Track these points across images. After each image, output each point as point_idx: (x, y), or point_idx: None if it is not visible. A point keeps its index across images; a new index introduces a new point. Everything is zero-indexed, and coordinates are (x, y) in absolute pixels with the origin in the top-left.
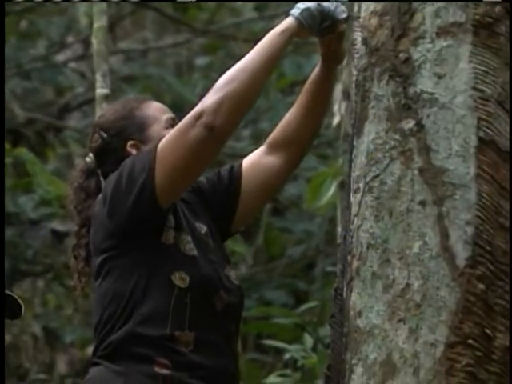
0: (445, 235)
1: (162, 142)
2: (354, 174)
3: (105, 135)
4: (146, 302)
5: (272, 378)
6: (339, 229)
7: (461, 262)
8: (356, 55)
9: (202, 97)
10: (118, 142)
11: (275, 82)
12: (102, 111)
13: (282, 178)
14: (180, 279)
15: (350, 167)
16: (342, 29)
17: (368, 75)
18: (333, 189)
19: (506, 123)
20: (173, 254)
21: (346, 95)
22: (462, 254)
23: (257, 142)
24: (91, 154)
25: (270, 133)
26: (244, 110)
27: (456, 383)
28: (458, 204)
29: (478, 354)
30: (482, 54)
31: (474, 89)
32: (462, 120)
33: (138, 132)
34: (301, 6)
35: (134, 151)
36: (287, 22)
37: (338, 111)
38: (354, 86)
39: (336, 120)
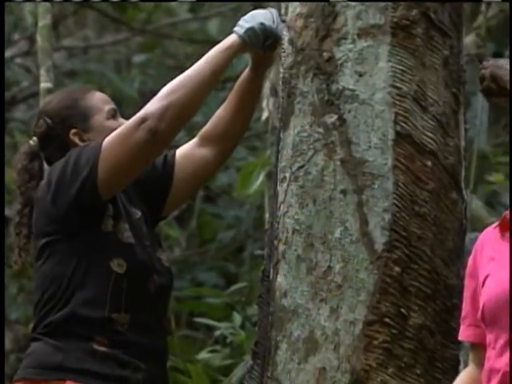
0: (364, 222)
1: (108, 139)
2: (281, 165)
3: (49, 121)
4: (86, 286)
5: (203, 354)
6: (267, 215)
7: (379, 246)
8: (283, 54)
9: (140, 92)
10: (61, 129)
11: None
12: (48, 99)
13: (212, 169)
14: (118, 265)
15: (277, 158)
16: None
17: (294, 73)
18: (261, 178)
19: (421, 119)
20: (111, 242)
21: (274, 92)
22: (379, 239)
23: (190, 133)
24: (35, 138)
25: (202, 126)
26: (186, 117)
27: (373, 359)
28: (376, 193)
29: (394, 331)
30: (400, 54)
31: (392, 86)
32: (381, 115)
33: (81, 121)
34: (245, 24)
35: (76, 139)
36: (231, 40)
37: (267, 106)
38: (281, 83)
39: (264, 115)
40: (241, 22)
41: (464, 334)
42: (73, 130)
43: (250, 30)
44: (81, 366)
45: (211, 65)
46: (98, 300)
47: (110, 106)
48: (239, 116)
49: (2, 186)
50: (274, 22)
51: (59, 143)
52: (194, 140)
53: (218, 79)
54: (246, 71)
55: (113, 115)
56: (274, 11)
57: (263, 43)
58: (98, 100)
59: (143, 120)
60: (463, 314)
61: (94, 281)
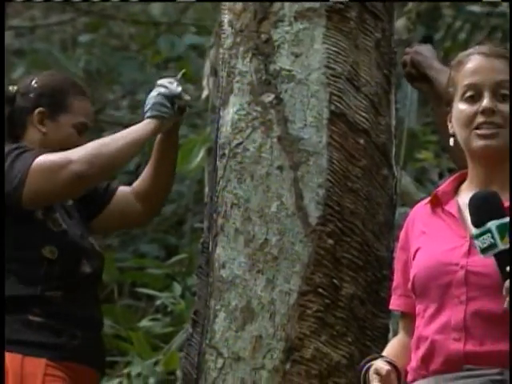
0: (299, 196)
1: (37, 165)
2: (220, 142)
3: (34, 86)
4: (20, 270)
5: (144, 322)
6: (206, 190)
7: (313, 220)
8: (223, 35)
9: (85, 70)
10: (35, 99)
11: (151, 57)
12: (52, 73)
13: (141, 221)
14: (50, 252)
15: (217, 135)
16: (185, 102)
17: (233, 53)
18: (201, 154)
19: (354, 98)
20: (42, 230)
21: (214, 71)
22: (314, 213)
23: (134, 111)
24: (16, 88)
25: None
26: (111, 169)
27: (307, 327)
28: (311, 169)
29: (327, 301)
30: (334, 36)
31: (327, 67)
32: (316, 95)
33: (54, 109)
34: (148, 104)
35: (36, 119)
36: (147, 123)
37: (207, 85)
38: (220, 63)
39: (205, 93)
40: (145, 109)
41: (395, 303)
42: (41, 108)
43: (155, 104)
44: (17, 336)
45: (133, 138)
46: (31, 282)
47: (85, 119)
48: (159, 179)
49: (2, 181)
50: (169, 88)
51: (24, 108)
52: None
53: (138, 150)
54: (160, 138)
55: (80, 129)
56: (166, 82)
57: (173, 109)
58: (82, 107)
59: (70, 161)
60: (394, 284)
61: (27, 266)
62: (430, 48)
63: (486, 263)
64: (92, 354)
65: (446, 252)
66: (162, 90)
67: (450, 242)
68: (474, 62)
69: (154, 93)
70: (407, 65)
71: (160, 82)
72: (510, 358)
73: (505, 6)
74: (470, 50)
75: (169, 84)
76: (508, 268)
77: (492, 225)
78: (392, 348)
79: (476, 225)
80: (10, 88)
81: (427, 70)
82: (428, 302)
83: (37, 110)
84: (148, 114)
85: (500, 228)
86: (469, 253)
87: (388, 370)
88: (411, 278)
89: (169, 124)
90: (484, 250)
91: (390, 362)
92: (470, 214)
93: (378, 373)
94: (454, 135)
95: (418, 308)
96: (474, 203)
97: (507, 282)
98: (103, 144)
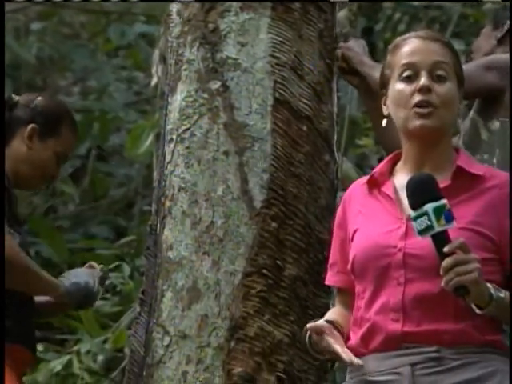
0: (244, 181)
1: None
2: (168, 127)
3: (36, 102)
4: None
5: None
6: (155, 174)
7: (257, 203)
8: (171, 24)
9: (37, 58)
10: (33, 115)
11: (101, 45)
12: (56, 98)
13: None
14: None
15: (165, 121)
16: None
17: (181, 42)
18: (150, 139)
19: (297, 86)
20: None
21: (163, 59)
22: (258, 196)
23: (85, 97)
24: (18, 98)
25: (97, 90)
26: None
27: (251, 306)
28: (256, 154)
29: (270, 281)
30: (279, 27)
31: (272, 56)
32: (261, 82)
33: (46, 131)
34: (72, 278)
35: (26, 133)
36: (59, 287)
37: (156, 73)
38: (169, 51)
39: (154, 80)
40: (69, 275)
41: (332, 279)
42: (35, 125)
43: (75, 284)
44: None
45: (43, 286)
46: None
47: (67, 151)
48: None
49: (3, 187)
50: (94, 283)
51: (21, 120)
52: None
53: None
54: None
55: (60, 158)
56: (96, 274)
57: (80, 299)
58: (69, 139)
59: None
60: (331, 261)
61: None
62: (362, 43)
63: (423, 245)
64: (24, 333)
65: (384, 234)
66: (91, 283)
67: (387, 223)
68: (411, 45)
69: (84, 276)
70: (339, 59)
71: (96, 272)
72: (510, 356)
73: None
74: (407, 35)
75: (96, 279)
76: (444, 248)
77: (429, 207)
78: (333, 313)
79: (413, 207)
80: (13, 96)
81: (358, 66)
82: (367, 283)
83: (31, 126)
84: (68, 287)
85: (436, 210)
86: (406, 235)
87: (329, 327)
88: (350, 259)
89: (65, 300)
90: (421, 232)
91: (330, 321)
92: (408, 197)
93: (319, 329)
94: (388, 116)
95: (358, 289)
96: (411, 186)
97: (444, 262)
98: (34, 271)
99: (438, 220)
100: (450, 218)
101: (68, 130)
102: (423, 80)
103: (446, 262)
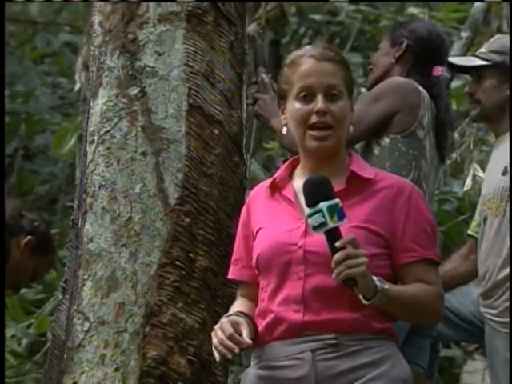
0: (160, 179)
1: None
2: (90, 129)
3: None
4: None
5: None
6: (77, 172)
7: (172, 200)
8: (93, 34)
9: None
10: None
11: (29, 53)
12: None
13: None
14: None
15: (87, 123)
16: None
17: (103, 51)
18: (73, 140)
19: (210, 93)
20: None
21: (85, 66)
22: (173, 194)
23: (13, 101)
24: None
25: (23, 94)
26: None
27: (165, 295)
28: (171, 155)
29: (183, 272)
30: (193, 38)
31: (186, 65)
32: (176, 89)
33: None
34: None
35: (24, 242)
36: None
37: (79, 79)
38: (91, 59)
39: (77, 86)
40: None
41: (237, 274)
42: (32, 238)
43: None
44: None
45: None
46: None
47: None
48: None
49: (2, 182)
50: None
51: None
52: None
53: None
54: None
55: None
56: None
57: None
58: (46, 265)
59: None
60: (235, 257)
61: None
62: (274, 98)
63: (321, 243)
64: None
65: (286, 233)
66: None
67: (288, 223)
68: (306, 65)
69: None
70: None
71: None
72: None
73: (342, 17)
74: (302, 52)
75: None
76: (336, 243)
77: (323, 205)
78: (238, 305)
79: (309, 205)
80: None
81: (266, 123)
82: (271, 278)
83: (28, 238)
84: None
85: (329, 208)
86: (305, 234)
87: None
88: (255, 257)
89: None
90: (316, 228)
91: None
92: (304, 196)
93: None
94: (286, 125)
95: (262, 283)
96: (307, 186)
97: (335, 256)
98: None
99: (331, 217)
100: (341, 216)
101: (50, 260)
102: (320, 104)
103: (337, 255)
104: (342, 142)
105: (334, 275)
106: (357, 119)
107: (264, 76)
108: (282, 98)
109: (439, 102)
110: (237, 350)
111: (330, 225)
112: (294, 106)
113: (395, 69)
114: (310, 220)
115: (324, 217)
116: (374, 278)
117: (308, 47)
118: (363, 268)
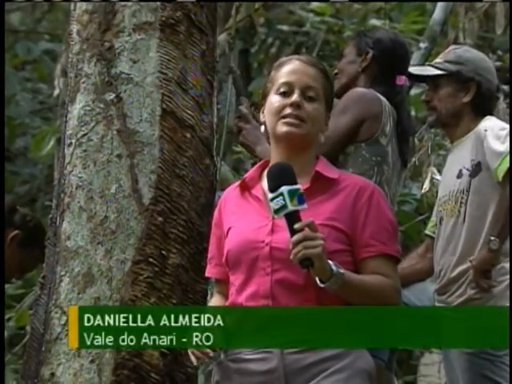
0: (135, 180)
1: None
2: (68, 133)
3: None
4: None
5: None
6: (55, 173)
7: (146, 200)
8: (72, 43)
9: None
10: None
11: (10, 60)
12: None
13: None
14: None
15: (65, 127)
16: None
17: (80, 58)
18: (52, 143)
19: (182, 99)
20: None
21: (64, 73)
22: (147, 194)
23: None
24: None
25: (6, 99)
26: None
27: (139, 291)
28: (145, 157)
29: (156, 269)
30: (166, 46)
31: (160, 72)
32: (151, 95)
33: (28, 242)
34: None
35: (11, 237)
36: None
37: (58, 85)
38: (69, 66)
39: (56, 91)
40: None
41: (211, 271)
42: (19, 232)
43: None
44: None
45: None
46: None
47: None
48: None
49: (2, 185)
50: None
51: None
52: None
53: None
54: None
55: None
56: None
57: None
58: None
59: None
60: (210, 255)
61: None
62: (257, 127)
63: (287, 240)
64: None
65: (253, 231)
66: None
67: (256, 221)
68: (291, 65)
69: None
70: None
71: None
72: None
73: (308, 27)
74: (291, 56)
75: None
76: (295, 226)
77: (284, 189)
78: (213, 302)
79: (271, 190)
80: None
81: (252, 152)
82: (239, 273)
83: (15, 232)
84: None
85: (290, 192)
86: (272, 231)
87: None
88: (225, 253)
89: None
90: (277, 211)
91: None
92: (268, 181)
93: None
94: (264, 123)
95: (231, 278)
96: (271, 172)
97: (294, 237)
98: None
99: (291, 201)
100: (301, 201)
101: (39, 254)
102: (295, 97)
103: (295, 237)
104: (311, 140)
105: (291, 256)
106: (327, 133)
107: (242, 107)
108: (264, 97)
109: (402, 111)
110: (212, 354)
111: (290, 208)
112: (273, 99)
113: (361, 78)
114: (271, 204)
115: (284, 200)
116: (331, 262)
117: (297, 55)
118: (319, 250)
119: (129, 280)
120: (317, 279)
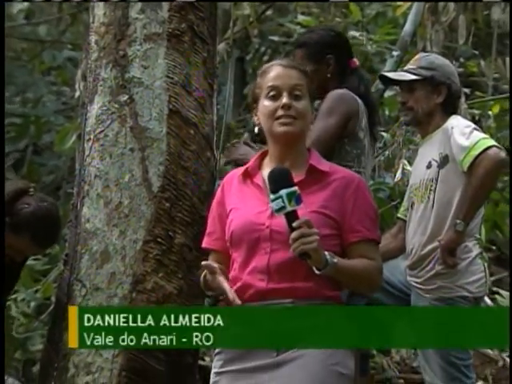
0: (145, 171)
1: None
2: (87, 129)
3: (26, 210)
4: None
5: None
6: (77, 165)
7: (155, 188)
8: (90, 51)
9: None
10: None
11: (38, 66)
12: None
13: None
14: None
15: (85, 125)
16: None
17: (98, 64)
18: (73, 138)
19: (187, 100)
20: None
21: (84, 77)
22: (156, 183)
23: (24, 106)
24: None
25: (34, 100)
26: None
27: (149, 266)
28: (154, 151)
29: (164, 247)
30: (173, 54)
31: (167, 77)
32: (159, 96)
33: (16, 229)
34: None
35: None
36: None
37: (78, 88)
38: (88, 71)
39: (77, 94)
40: None
41: (211, 243)
42: (8, 219)
43: None
44: None
45: None
46: None
47: (17, 252)
48: None
49: (2, 188)
50: None
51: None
52: None
53: None
54: None
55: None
56: None
57: None
58: (24, 246)
59: None
60: (210, 230)
61: None
62: (248, 149)
63: (284, 224)
64: None
65: (255, 214)
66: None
67: (257, 206)
68: (275, 71)
69: None
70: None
71: None
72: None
73: (295, 38)
74: (273, 62)
75: None
76: (294, 224)
77: (283, 192)
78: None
79: (272, 192)
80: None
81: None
82: (241, 251)
83: (8, 218)
84: None
85: (288, 195)
86: (272, 216)
87: (220, 266)
88: (229, 233)
89: None
90: (277, 211)
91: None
92: (269, 184)
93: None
94: (259, 125)
95: (234, 255)
96: (271, 176)
97: (292, 234)
98: None
99: (289, 202)
100: (298, 201)
101: (28, 239)
102: (285, 99)
103: (294, 234)
104: (303, 135)
105: (290, 250)
106: (318, 135)
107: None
108: (254, 101)
109: (366, 91)
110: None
111: (289, 208)
112: (264, 103)
113: (332, 82)
114: (272, 204)
115: (283, 201)
116: (326, 253)
117: (277, 60)
118: (315, 245)
119: (140, 257)
120: (314, 267)
